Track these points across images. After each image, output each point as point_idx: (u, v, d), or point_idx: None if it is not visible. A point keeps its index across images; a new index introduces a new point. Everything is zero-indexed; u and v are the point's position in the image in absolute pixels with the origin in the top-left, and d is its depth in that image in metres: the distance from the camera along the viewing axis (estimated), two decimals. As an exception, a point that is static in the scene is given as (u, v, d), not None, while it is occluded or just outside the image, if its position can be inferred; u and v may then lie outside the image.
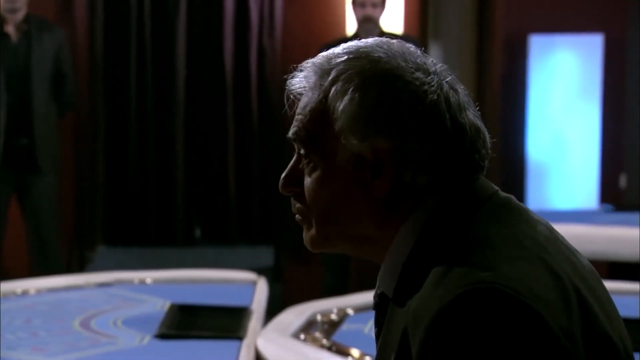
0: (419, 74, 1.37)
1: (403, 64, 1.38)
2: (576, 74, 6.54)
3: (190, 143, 7.08)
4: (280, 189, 1.45)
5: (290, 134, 1.44)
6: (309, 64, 1.43)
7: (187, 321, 3.50)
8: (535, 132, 6.54)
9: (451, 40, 7.09)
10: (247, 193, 7.28)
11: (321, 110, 1.39)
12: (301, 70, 1.43)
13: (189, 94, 7.04)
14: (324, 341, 3.30)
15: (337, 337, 3.36)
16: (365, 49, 1.40)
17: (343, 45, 1.43)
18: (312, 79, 1.41)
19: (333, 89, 1.38)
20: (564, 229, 4.97)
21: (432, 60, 1.41)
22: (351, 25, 6.44)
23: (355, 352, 3.17)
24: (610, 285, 4.02)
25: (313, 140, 1.40)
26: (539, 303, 1.23)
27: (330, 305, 3.73)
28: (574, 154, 6.51)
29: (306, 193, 1.42)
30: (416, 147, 1.35)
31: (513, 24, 6.62)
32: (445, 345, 1.22)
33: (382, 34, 5.56)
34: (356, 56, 1.39)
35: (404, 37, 6.09)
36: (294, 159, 1.45)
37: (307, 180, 1.42)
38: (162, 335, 3.32)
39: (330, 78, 1.39)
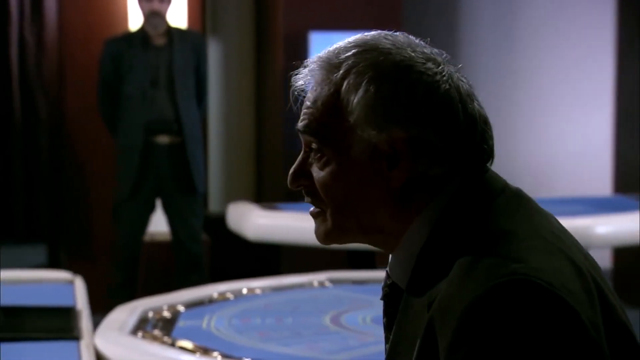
0: (429, 64, 1.39)
1: (413, 54, 1.39)
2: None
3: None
4: (289, 184, 1.44)
5: (300, 126, 1.43)
6: (314, 59, 1.43)
7: (15, 323, 3.36)
8: (317, 127, 6.68)
9: (230, 36, 7.12)
10: (9, 191, 7.03)
11: (334, 104, 1.39)
12: (305, 67, 1.43)
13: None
14: (165, 338, 3.26)
15: (176, 334, 3.33)
16: (373, 42, 1.41)
17: (348, 40, 1.43)
18: (319, 73, 1.41)
19: (345, 82, 1.39)
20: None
21: (437, 51, 1.43)
22: (135, 20, 6.35)
23: (197, 348, 3.16)
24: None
25: (326, 133, 1.40)
26: (570, 295, 1.26)
27: (160, 302, 3.69)
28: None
29: (319, 186, 1.41)
30: (431, 137, 1.37)
31: (293, 21, 6.72)
32: (480, 336, 1.23)
33: (168, 28, 5.53)
34: (365, 49, 1.40)
35: (190, 33, 6.08)
36: (301, 153, 1.44)
37: (320, 174, 1.41)
38: (-5, 338, 3.18)
39: (341, 72, 1.39)
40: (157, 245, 6.38)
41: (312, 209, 1.45)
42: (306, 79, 1.43)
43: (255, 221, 5.31)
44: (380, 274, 4.27)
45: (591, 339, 1.25)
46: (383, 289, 1.47)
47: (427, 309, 1.32)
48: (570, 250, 1.35)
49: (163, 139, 5.88)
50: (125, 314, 3.49)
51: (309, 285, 3.99)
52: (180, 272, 6.06)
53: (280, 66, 6.74)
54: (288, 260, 6.59)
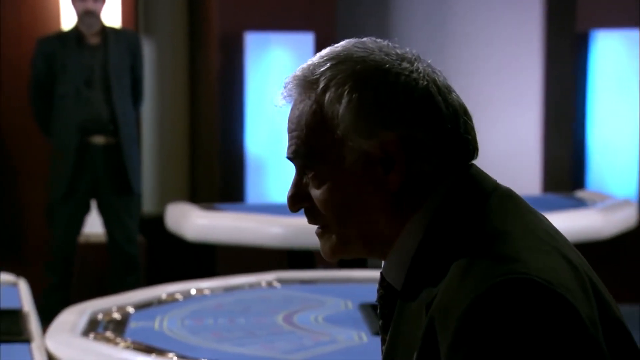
0: (405, 64, 1.40)
1: (386, 57, 1.41)
2: (290, 71, 6.71)
3: None
4: (289, 208, 1.45)
5: (288, 154, 1.43)
6: (289, 79, 1.44)
7: (-39, 327, 3.30)
8: (253, 127, 6.66)
9: (163, 36, 7.07)
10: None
11: (318, 121, 1.40)
12: (284, 87, 1.44)
13: None
14: (118, 340, 3.22)
15: (129, 335, 3.30)
16: (345, 52, 1.42)
17: (319, 54, 1.44)
18: (297, 92, 1.42)
19: (327, 96, 1.39)
20: (298, 222, 5.03)
21: (408, 49, 1.44)
22: (68, 19, 6.27)
23: (152, 349, 3.13)
24: (336, 273, 4.23)
25: (316, 153, 1.40)
26: (569, 292, 1.27)
27: (109, 303, 3.64)
28: (289, 148, 6.69)
29: (319, 205, 1.42)
30: (420, 134, 1.38)
31: (228, 21, 6.69)
32: (482, 335, 1.24)
33: (103, 27, 5.47)
34: (340, 60, 1.41)
35: (125, 32, 6.02)
36: (294, 176, 1.44)
37: (317, 193, 1.41)
38: (-56, 343, 3.12)
39: (320, 87, 1.40)
40: (92, 247, 6.32)
41: (316, 229, 1.45)
42: (285, 99, 1.45)
43: (195, 222, 5.28)
44: (327, 274, 4.28)
45: (590, 336, 1.27)
46: (378, 290, 1.47)
47: (424, 309, 1.33)
48: (564, 248, 1.37)
49: (98, 140, 5.82)
50: (74, 315, 3.44)
51: (257, 285, 3.98)
52: (116, 274, 6.00)
53: (215, 66, 6.72)
54: (223, 260, 6.56)
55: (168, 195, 6.92)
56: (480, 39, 7.36)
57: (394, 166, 1.38)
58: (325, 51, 1.44)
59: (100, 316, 3.49)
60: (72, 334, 3.25)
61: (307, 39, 6.76)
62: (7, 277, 4.01)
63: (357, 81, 1.39)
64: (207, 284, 3.94)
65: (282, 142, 6.34)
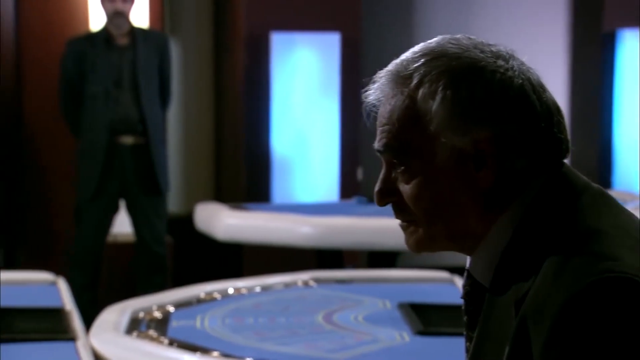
0: (500, 62, 1.41)
1: (481, 55, 1.41)
2: (316, 71, 6.73)
3: None
4: (377, 203, 1.45)
5: (378, 146, 1.44)
6: (382, 74, 1.44)
7: (5, 324, 3.32)
8: (279, 127, 6.68)
9: (190, 37, 7.09)
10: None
11: (410, 116, 1.41)
12: (374, 82, 1.44)
13: None
14: (162, 338, 3.24)
15: (171, 333, 3.32)
16: (440, 48, 1.42)
17: (412, 50, 1.44)
18: (390, 87, 1.42)
19: (420, 91, 1.40)
20: (328, 222, 5.07)
21: (502, 46, 1.45)
22: (97, 20, 6.30)
23: (196, 347, 3.15)
24: (372, 273, 4.25)
25: (408, 148, 1.41)
26: None
27: (149, 302, 3.66)
28: (316, 148, 6.70)
29: (408, 201, 1.42)
30: (513, 132, 1.38)
31: (254, 21, 6.71)
32: (578, 333, 1.24)
33: (131, 28, 5.50)
34: (434, 56, 1.41)
35: (153, 33, 6.04)
36: (383, 170, 1.45)
37: (407, 188, 1.42)
38: (-11, 340, 3.15)
39: (414, 82, 1.40)
40: (120, 247, 6.33)
41: (400, 221, 1.45)
42: (376, 94, 1.45)
43: (225, 221, 5.30)
44: (362, 274, 4.29)
45: None
46: (464, 287, 1.48)
47: (514, 306, 1.33)
48: None
49: (127, 140, 5.84)
50: (116, 314, 3.47)
51: (294, 284, 3.99)
52: (143, 274, 6.02)
53: (241, 66, 6.74)
54: (250, 261, 6.58)
55: (194, 196, 6.94)
56: (505, 39, 7.35)
57: (486, 163, 1.39)
58: (418, 47, 1.44)
59: (141, 315, 3.51)
60: (115, 332, 3.28)
61: (332, 39, 6.78)
62: (46, 275, 4.04)
63: (451, 78, 1.39)
64: (243, 283, 3.96)
65: (307, 143, 6.40)
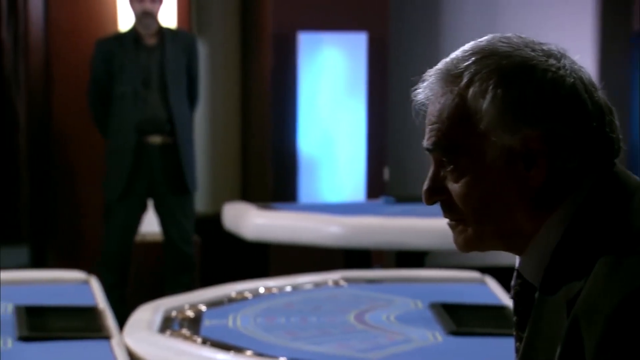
0: (551, 60, 1.40)
1: (532, 53, 1.40)
2: (343, 70, 6.74)
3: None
4: (425, 201, 1.45)
5: (427, 144, 1.43)
6: (432, 72, 1.44)
7: (39, 323, 3.35)
8: (305, 127, 6.69)
9: (216, 36, 7.11)
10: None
11: (460, 114, 1.40)
12: (423, 81, 1.44)
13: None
14: (195, 337, 3.26)
15: (204, 332, 3.33)
16: (491, 47, 1.42)
17: (462, 49, 1.44)
18: (439, 85, 1.42)
19: (471, 90, 1.40)
20: (356, 222, 5.08)
21: (554, 45, 1.44)
22: (125, 20, 6.33)
23: (230, 346, 3.17)
24: (402, 273, 4.25)
25: (457, 146, 1.41)
26: None
27: (180, 301, 3.68)
28: (342, 148, 6.71)
29: (458, 200, 1.42)
30: (564, 131, 1.38)
31: (282, 21, 6.73)
32: (631, 335, 1.24)
33: (160, 28, 5.52)
34: (485, 55, 1.41)
35: (181, 33, 6.06)
36: (432, 168, 1.44)
37: (456, 187, 1.42)
38: (25, 338, 3.17)
39: (464, 81, 1.40)
40: (148, 246, 6.36)
41: (448, 220, 1.45)
42: (425, 92, 1.44)
43: (253, 221, 5.31)
44: (392, 273, 4.28)
45: None
46: (513, 287, 1.47)
47: (565, 307, 1.33)
48: None
49: (155, 140, 5.87)
50: (149, 313, 3.48)
51: (324, 284, 4.00)
52: (171, 273, 6.04)
53: (268, 66, 6.76)
54: (276, 260, 6.59)
55: (220, 195, 6.96)
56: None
57: (536, 162, 1.38)
58: (468, 45, 1.44)
59: (174, 314, 3.53)
60: (149, 331, 3.29)
61: (359, 38, 6.78)
62: (78, 274, 4.06)
63: (502, 77, 1.39)
64: (274, 283, 3.98)
65: (334, 143, 6.40)
